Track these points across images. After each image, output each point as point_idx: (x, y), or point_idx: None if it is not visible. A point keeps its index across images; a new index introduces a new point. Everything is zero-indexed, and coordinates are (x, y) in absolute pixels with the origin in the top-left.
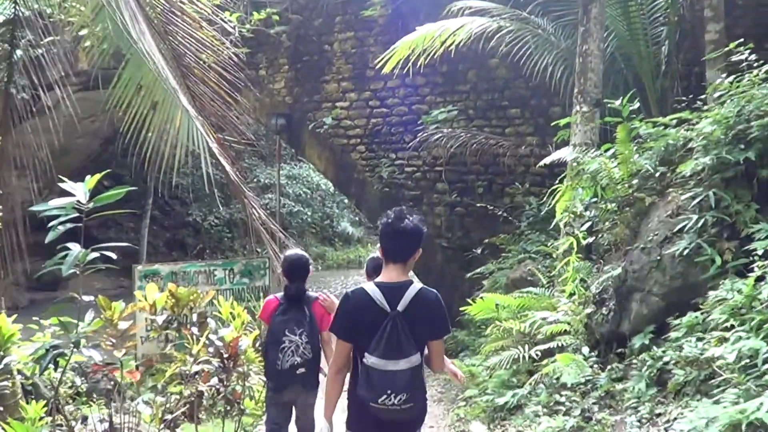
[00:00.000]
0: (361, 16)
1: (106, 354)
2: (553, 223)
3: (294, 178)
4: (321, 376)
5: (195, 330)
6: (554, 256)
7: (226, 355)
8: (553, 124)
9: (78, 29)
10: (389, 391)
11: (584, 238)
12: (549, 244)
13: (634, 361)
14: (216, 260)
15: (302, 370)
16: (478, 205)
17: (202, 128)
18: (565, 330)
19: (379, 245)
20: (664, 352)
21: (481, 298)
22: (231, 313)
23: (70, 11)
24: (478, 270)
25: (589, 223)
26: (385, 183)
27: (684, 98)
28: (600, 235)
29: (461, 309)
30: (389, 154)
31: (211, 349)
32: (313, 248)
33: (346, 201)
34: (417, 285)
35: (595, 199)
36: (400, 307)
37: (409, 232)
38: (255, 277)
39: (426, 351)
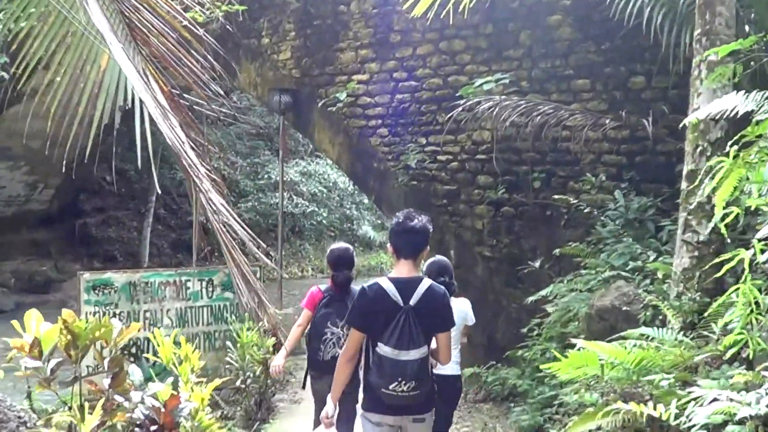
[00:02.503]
0: None
1: None
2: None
3: (309, 175)
4: None
5: (107, 382)
6: (660, 276)
7: (154, 427)
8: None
9: None
10: (400, 379)
11: (762, 251)
12: (652, 258)
13: None
14: (189, 268)
15: None
16: (536, 202)
17: (135, 71)
18: (729, 411)
19: (389, 244)
20: None
21: (579, 348)
22: (175, 353)
23: None
24: (541, 292)
25: None
26: (411, 175)
27: None
28: None
29: (545, 368)
30: (418, 139)
31: (142, 412)
32: None
33: (366, 202)
34: (427, 281)
35: None
36: (412, 302)
37: (419, 230)
38: None
39: (434, 344)
